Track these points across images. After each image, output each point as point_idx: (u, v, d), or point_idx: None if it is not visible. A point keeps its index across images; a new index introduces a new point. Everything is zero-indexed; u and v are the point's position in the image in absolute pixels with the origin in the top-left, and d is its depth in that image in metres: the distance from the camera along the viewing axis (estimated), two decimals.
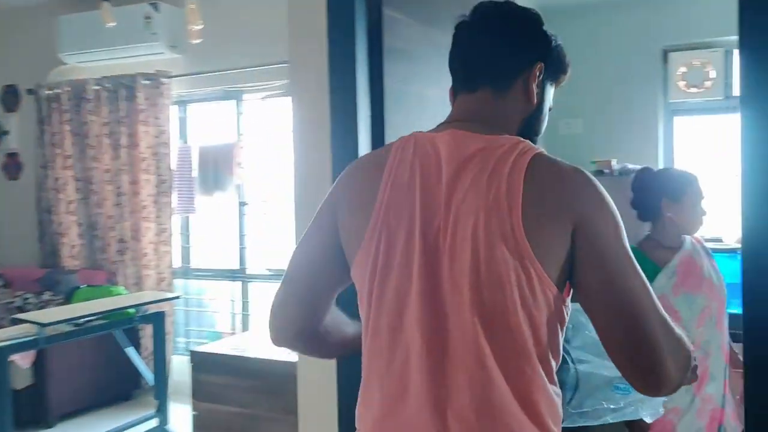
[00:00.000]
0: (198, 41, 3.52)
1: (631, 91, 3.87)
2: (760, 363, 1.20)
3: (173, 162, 4.55)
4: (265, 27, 3.79)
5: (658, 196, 2.15)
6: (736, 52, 3.75)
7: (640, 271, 1.01)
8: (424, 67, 1.91)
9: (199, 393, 3.17)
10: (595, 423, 1.30)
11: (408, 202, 1.05)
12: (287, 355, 2.83)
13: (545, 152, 1.06)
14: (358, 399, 1.11)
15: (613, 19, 3.87)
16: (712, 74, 3.70)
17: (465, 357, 1.00)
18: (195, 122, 4.91)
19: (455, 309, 1.00)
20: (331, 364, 1.83)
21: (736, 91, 3.74)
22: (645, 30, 3.80)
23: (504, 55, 1.13)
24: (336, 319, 1.23)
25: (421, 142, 1.09)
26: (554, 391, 1.03)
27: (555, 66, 1.17)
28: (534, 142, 1.11)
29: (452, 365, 1.00)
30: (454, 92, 1.17)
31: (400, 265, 1.04)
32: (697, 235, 2.22)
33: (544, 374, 1.01)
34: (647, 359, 0.97)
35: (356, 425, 1.12)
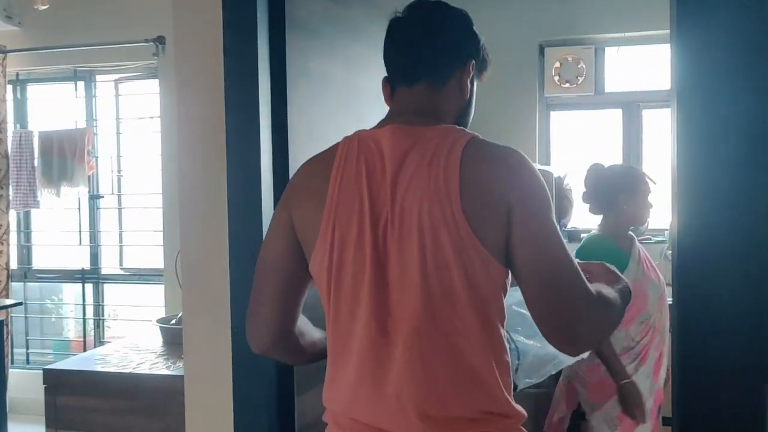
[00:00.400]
0: (44, 7, 3.09)
1: (509, 84, 3.86)
2: (689, 363, 1.21)
3: (9, 149, 4.02)
4: None
5: (615, 191, 2.34)
6: (607, 50, 4.00)
7: (566, 245, 1.08)
8: (327, 43, 1.70)
9: (55, 419, 2.63)
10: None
11: (356, 199, 1.10)
12: (167, 368, 2.52)
13: (479, 136, 1.12)
14: (325, 387, 1.17)
15: (491, 12, 3.84)
16: (584, 70, 3.78)
17: (416, 340, 1.07)
18: (36, 105, 4.38)
19: (406, 295, 1.07)
20: (225, 379, 1.62)
21: (608, 87, 3.91)
22: (523, 24, 3.79)
23: (442, 53, 1.20)
24: (304, 321, 1.28)
25: (364, 140, 1.14)
26: (505, 361, 1.11)
27: (481, 63, 1.25)
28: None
29: (405, 349, 1.07)
30: (391, 86, 1.23)
31: (353, 260, 1.10)
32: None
33: (494, 347, 1.09)
34: (566, 325, 1.06)
35: (326, 406, 1.18)
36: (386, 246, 1.09)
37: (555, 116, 4.02)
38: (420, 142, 1.10)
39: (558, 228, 1.08)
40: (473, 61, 1.22)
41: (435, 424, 1.07)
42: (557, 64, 3.83)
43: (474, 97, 1.26)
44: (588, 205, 2.44)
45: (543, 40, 3.88)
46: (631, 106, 3.86)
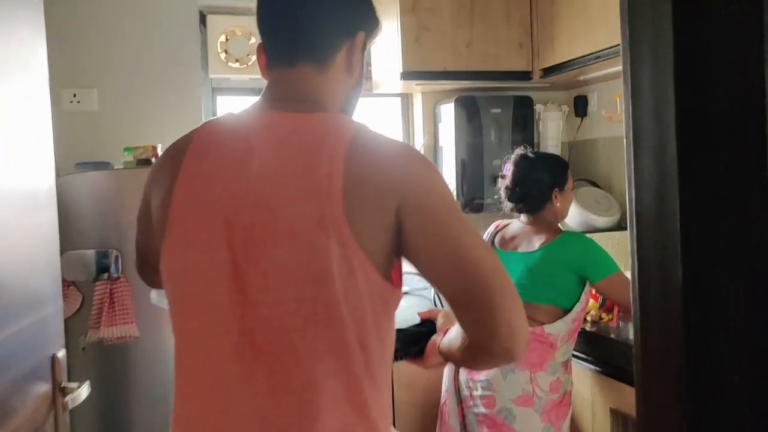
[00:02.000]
0: None
1: (167, 59, 3.07)
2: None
3: None
4: None
5: (550, 187, 2.21)
6: None
7: (480, 237, 0.99)
8: None
9: None
10: None
11: (211, 197, 0.96)
12: None
13: (368, 128, 1.01)
14: (173, 423, 1.03)
15: None
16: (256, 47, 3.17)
17: (283, 357, 0.93)
18: None
19: (273, 311, 0.93)
20: None
21: None
22: None
23: (326, 26, 1.05)
24: None
25: (229, 127, 1.02)
26: (384, 383, 1.00)
27: (372, 30, 1.10)
28: (353, 113, 1.11)
29: (269, 368, 0.94)
30: (268, 63, 1.07)
31: (204, 269, 0.97)
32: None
33: (371, 367, 0.96)
34: (490, 322, 0.94)
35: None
36: (246, 253, 0.94)
37: (223, 102, 3.34)
38: (297, 133, 0.98)
39: (463, 219, 0.97)
40: (363, 33, 1.08)
41: None
42: (223, 38, 3.15)
43: (363, 74, 1.12)
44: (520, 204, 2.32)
45: (203, 5, 3.15)
46: None
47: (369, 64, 3.32)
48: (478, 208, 3.28)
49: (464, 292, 0.94)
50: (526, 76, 3.13)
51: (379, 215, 0.93)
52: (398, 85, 3.19)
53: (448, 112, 3.27)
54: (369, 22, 1.09)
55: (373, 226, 0.93)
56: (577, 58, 2.80)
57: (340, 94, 1.07)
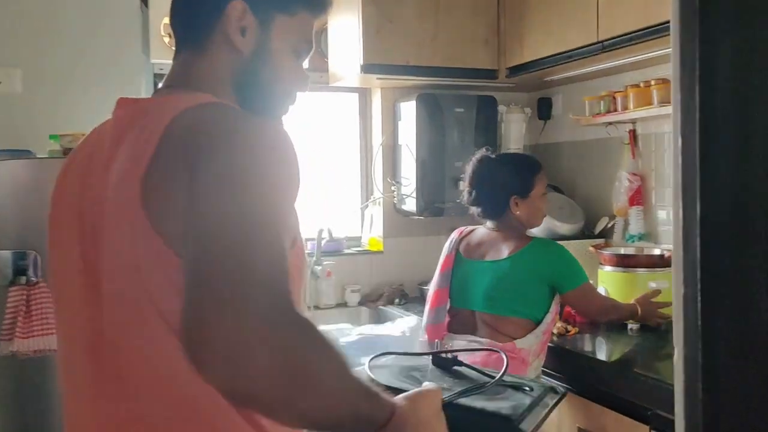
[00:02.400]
0: None
1: (103, 40, 2.79)
2: None
3: None
4: None
5: (507, 193, 2.06)
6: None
7: (272, 238, 0.74)
8: None
9: None
10: None
11: (73, 191, 0.91)
12: None
13: (221, 103, 0.87)
14: None
15: None
16: None
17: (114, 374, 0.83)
18: None
19: (99, 310, 0.84)
20: None
21: None
22: None
23: (188, 7, 0.97)
24: None
25: (109, 120, 0.94)
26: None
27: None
28: (260, 95, 0.96)
29: (110, 387, 0.84)
30: None
31: (60, 268, 0.93)
32: None
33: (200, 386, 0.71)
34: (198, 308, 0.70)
35: None
36: (96, 250, 0.85)
37: None
38: (140, 117, 0.86)
39: (265, 216, 0.75)
40: (238, 3, 0.92)
41: None
42: (167, 20, 2.88)
43: (273, 46, 0.95)
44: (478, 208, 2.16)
45: None
46: None
47: (325, 56, 3.11)
48: (437, 212, 3.11)
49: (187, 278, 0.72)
50: (491, 74, 2.97)
51: (177, 199, 0.77)
52: (357, 79, 2.99)
53: (409, 109, 3.08)
54: None
55: (174, 213, 0.77)
56: (546, 57, 2.66)
57: (222, 76, 0.95)
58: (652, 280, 2.45)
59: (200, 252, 0.71)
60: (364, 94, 3.32)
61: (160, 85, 1.02)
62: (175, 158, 0.78)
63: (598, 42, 2.35)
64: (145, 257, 0.79)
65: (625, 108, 2.64)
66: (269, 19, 0.95)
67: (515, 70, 2.90)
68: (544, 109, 3.31)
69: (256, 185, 0.76)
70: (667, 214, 2.66)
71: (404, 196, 3.14)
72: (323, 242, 3.01)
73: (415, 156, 3.05)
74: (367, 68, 2.78)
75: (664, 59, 2.51)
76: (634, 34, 2.20)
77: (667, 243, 2.65)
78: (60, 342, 0.95)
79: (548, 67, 2.69)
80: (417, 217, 3.14)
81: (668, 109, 2.43)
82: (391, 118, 3.22)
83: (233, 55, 0.95)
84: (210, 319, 0.67)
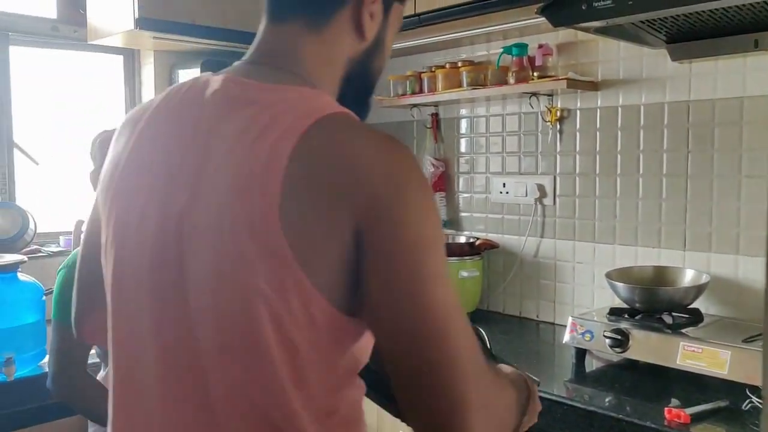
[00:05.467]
0: None
1: None
2: None
3: None
4: None
5: None
6: None
7: (452, 289, 0.71)
8: None
9: None
10: None
11: (147, 172, 0.78)
12: None
13: (350, 115, 0.75)
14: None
15: None
16: None
17: (193, 386, 0.74)
18: None
19: (188, 330, 0.73)
20: None
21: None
22: None
23: None
24: None
25: (193, 89, 0.80)
26: (344, 423, 0.77)
27: None
28: (365, 89, 0.89)
29: (188, 408, 0.74)
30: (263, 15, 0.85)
31: (133, 267, 0.78)
32: None
33: (312, 405, 0.73)
34: (443, 415, 0.69)
35: None
36: (182, 244, 0.74)
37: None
38: (254, 106, 0.74)
39: (440, 260, 0.71)
40: None
41: None
42: None
43: (388, 36, 0.88)
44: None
45: None
46: None
47: (81, 6, 2.51)
48: None
49: (418, 376, 0.69)
50: None
51: (328, 227, 0.69)
52: (124, 38, 2.45)
53: (190, 78, 2.62)
54: None
55: (320, 237, 0.69)
56: None
57: (337, 62, 0.85)
58: (463, 270, 2.38)
59: (436, 354, 0.69)
60: (131, 56, 2.76)
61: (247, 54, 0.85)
62: (318, 190, 0.69)
63: (415, 15, 2.16)
64: (273, 283, 0.69)
65: (432, 90, 2.51)
66: (389, 6, 0.87)
67: None
68: None
69: (441, 253, 0.73)
70: (470, 199, 2.61)
71: None
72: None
73: None
74: (143, 23, 2.27)
75: (480, 39, 2.43)
76: (455, 8, 2.05)
77: (471, 230, 2.60)
78: (118, 337, 0.82)
79: None
80: None
81: (479, 92, 2.35)
82: (167, 88, 2.72)
83: (354, 41, 0.85)
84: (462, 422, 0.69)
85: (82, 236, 0.97)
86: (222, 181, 0.72)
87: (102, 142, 1.63)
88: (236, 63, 0.85)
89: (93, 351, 1.55)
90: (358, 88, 0.88)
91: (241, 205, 0.70)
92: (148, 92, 2.73)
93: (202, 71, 2.56)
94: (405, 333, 0.69)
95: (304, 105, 0.74)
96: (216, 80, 0.80)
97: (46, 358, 1.53)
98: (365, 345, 0.78)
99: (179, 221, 0.74)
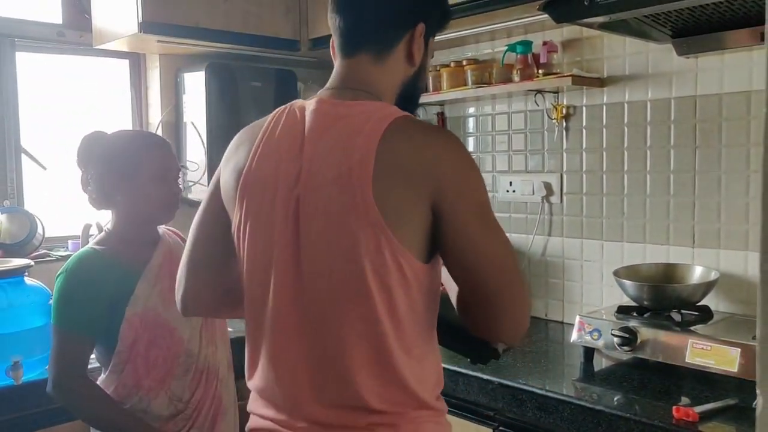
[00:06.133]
0: None
1: None
2: None
3: None
4: None
5: (102, 172, 1.56)
6: None
7: (505, 236, 1.05)
8: None
9: None
10: None
11: (271, 173, 1.07)
12: None
13: (413, 118, 1.06)
14: (247, 370, 1.15)
15: None
16: None
17: (320, 325, 1.04)
18: None
19: (313, 279, 1.03)
20: None
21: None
22: None
23: (386, 20, 1.11)
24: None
25: (293, 112, 1.10)
26: (423, 355, 1.07)
27: (437, 20, 1.16)
28: (414, 102, 1.17)
29: (310, 335, 1.04)
30: (336, 54, 1.15)
31: (262, 239, 1.07)
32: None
33: (402, 337, 1.03)
34: (496, 324, 1.06)
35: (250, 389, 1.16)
36: (298, 228, 1.04)
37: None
38: (344, 118, 1.04)
39: (493, 217, 1.05)
40: (423, 25, 1.11)
41: (333, 415, 1.05)
42: None
43: (428, 61, 1.17)
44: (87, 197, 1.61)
45: None
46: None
47: (86, 11, 2.52)
48: None
49: (481, 294, 1.03)
50: (292, 45, 2.65)
51: (411, 201, 0.98)
52: (130, 42, 2.45)
53: (196, 81, 2.62)
54: (432, 12, 1.14)
55: (405, 211, 0.98)
56: None
57: (395, 84, 1.13)
58: None
59: (493, 281, 1.02)
60: (137, 60, 2.77)
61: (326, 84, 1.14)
62: (400, 174, 0.98)
63: None
64: (370, 245, 0.97)
65: (437, 89, 2.50)
66: (429, 39, 1.14)
67: (319, 42, 2.61)
68: None
69: (492, 211, 1.05)
70: None
71: (191, 184, 2.69)
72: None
73: (204, 136, 2.61)
74: (146, 27, 2.27)
75: (484, 37, 2.42)
76: (460, 6, 2.04)
77: None
78: (249, 307, 1.11)
79: None
80: None
81: (484, 91, 2.33)
82: (173, 91, 2.73)
83: (407, 68, 1.13)
84: (520, 319, 1.07)
85: (194, 232, 1.21)
86: (327, 174, 1.00)
87: (89, 144, 1.58)
88: (322, 90, 1.12)
89: (93, 356, 1.55)
90: (408, 102, 1.13)
91: (344, 191, 0.98)
92: (155, 96, 2.73)
93: (207, 74, 2.57)
94: (479, 268, 1.01)
95: (380, 112, 1.03)
96: (311, 103, 1.09)
97: None
98: (436, 288, 1.08)
99: (296, 209, 1.03)
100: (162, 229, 1.67)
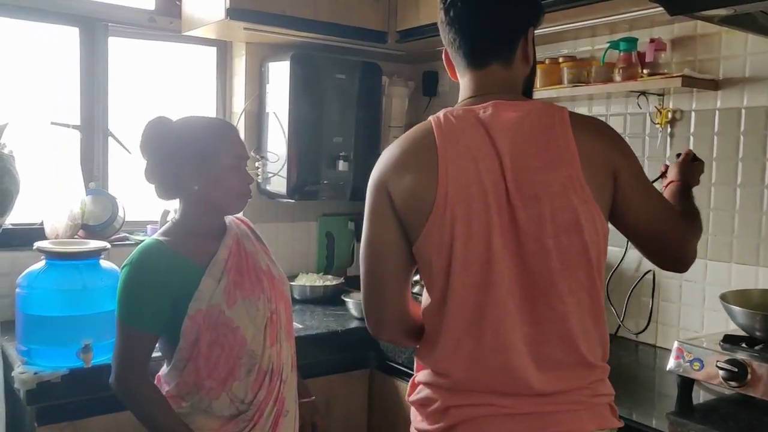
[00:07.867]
0: None
1: None
2: None
3: None
4: None
5: (175, 161, 1.49)
6: None
7: (660, 193, 1.32)
8: None
9: None
10: None
11: (473, 174, 1.17)
12: None
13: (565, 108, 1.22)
14: (434, 360, 1.23)
15: None
16: None
17: (545, 294, 1.17)
18: None
19: (541, 258, 1.16)
20: None
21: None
22: None
23: (506, 30, 1.25)
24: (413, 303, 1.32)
25: (461, 117, 1.21)
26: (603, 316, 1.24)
27: (539, 21, 1.29)
28: (530, 96, 1.32)
29: (534, 303, 1.17)
30: (461, 68, 1.29)
31: (479, 231, 1.16)
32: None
33: (601, 301, 1.22)
34: (675, 256, 1.31)
35: (432, 381, 1.24)
36: (514, 214, 1.15)
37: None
38: (526, 114, 1.19)
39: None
40: (533, 27, 1.27)
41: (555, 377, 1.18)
42: None
43: (536, 59, 1.31)
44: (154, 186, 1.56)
45: None
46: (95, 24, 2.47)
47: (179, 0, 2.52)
48: (310, 195, 2.65)
49: (661, 233, 1.27)
50: (380, 36, 2.56)
51: (603, 177, 1.20)
52: (217, 29, 2.43)
53: (280, 71, 2.58)
54: (537, 14, 1.29)
55: (600, 186, 1.19)
56: None
57: (519, 83, 1.28)
58: None
59: (669, 219, 1.28)
60: (224, 48, 2.76)
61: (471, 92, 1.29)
62: (594, 155, 1.19)
63: None
64: (587, 218, 1.16)
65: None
66: (532, 33, 1.28)
67: (407, 34, 2.51)
68: (429, 84, 2.96)
69: None
70: None
71: (270, 175, 2.65)
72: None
73: (285, 127, 2.56)
74: (234, 13, 2.24)
75: (584, 33, 2.25)
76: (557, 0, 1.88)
77: None
78: (463, 288, 1.18)
79: None
80: (285, 200, 2.66)
81: (581, 90, 2.16)
82: (257, 80, 2.70)
83: (524, 68, 1.28)
84: (693, 252, 1.32)
85: (378, 251, 1.26)
86: (534, 163, 1.16)
87: (154, 131, 1.52)
88: (465, 101, 1.27)
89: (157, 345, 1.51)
90: (530, 96, 1.33)
91: (561, 173, 1.15)
92: (240, 84, 2.71)
93: (291, 64, 2.52)
94: (654, 216, 1.25)
95: (551, 108, 1.20)
96: (485, 106, 1.21)
97: None
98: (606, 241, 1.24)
99: (507, 197, 1.16)
100: (229, 218, 1.61)
